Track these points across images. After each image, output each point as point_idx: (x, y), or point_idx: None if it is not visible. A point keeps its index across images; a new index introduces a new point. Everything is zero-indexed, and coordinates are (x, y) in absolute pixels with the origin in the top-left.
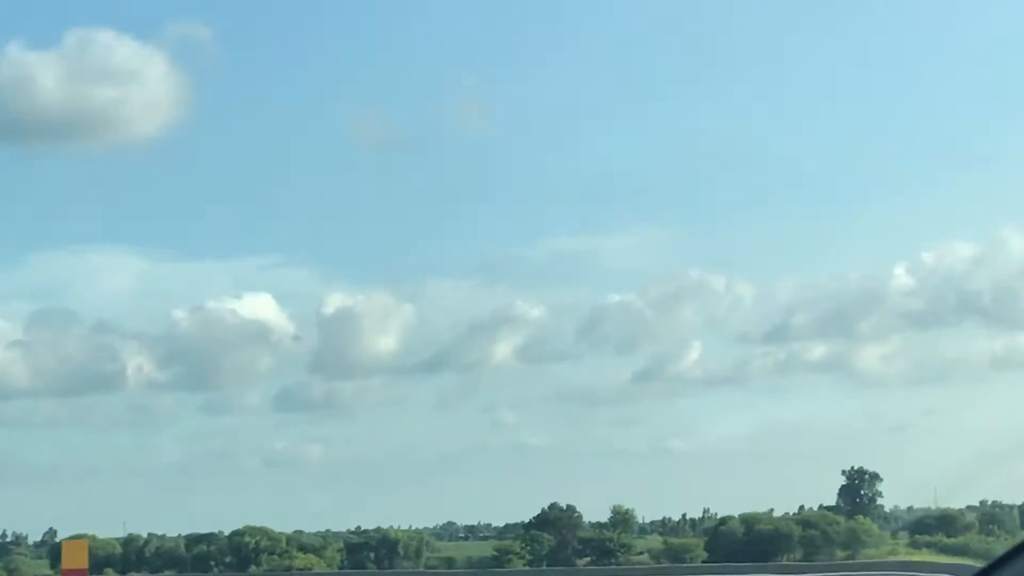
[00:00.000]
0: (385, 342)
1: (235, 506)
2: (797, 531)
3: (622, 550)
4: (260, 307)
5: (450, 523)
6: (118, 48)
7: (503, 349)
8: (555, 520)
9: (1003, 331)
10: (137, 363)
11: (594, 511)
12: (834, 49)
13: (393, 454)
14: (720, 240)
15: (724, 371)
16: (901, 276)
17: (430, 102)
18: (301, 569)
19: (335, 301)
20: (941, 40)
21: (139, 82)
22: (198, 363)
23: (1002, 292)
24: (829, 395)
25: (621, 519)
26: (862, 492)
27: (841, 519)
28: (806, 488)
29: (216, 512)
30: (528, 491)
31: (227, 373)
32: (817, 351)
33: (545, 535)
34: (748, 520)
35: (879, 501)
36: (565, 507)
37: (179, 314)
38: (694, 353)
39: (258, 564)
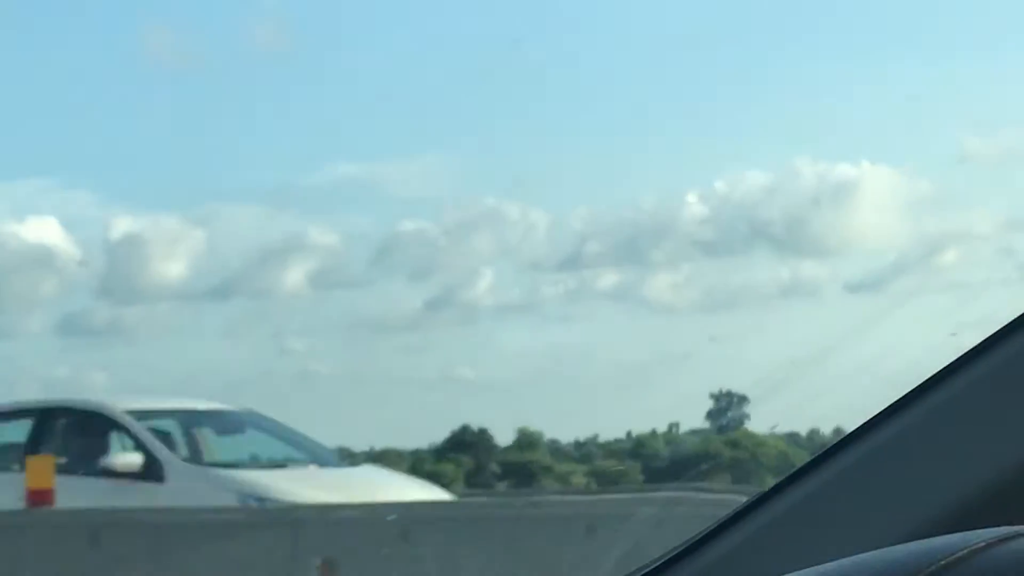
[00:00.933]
0: (174, 268)
1: None
2: (727, 452)
3: (543, 472)
4: (44, 231)
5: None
6: None
7: (294, 276)
8: (471, 444)
9: (792, 260)
10: None
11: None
12: None
13: (177, 381)
14: (514, 169)
15: (515, 298)
16: (694, 204)
17: (229, 20)
18: None
19: (122, 226)
20: None
21: None
22: None
23: (793, 222)
24: (618, 322)
25: (528, 442)
26: (729, 415)
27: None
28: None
29: None
30: (319, 419)
31: (7, 298)
32: (609, 279)
33: (464, 458)
34: (670, 440)
35: (747, 424)
36: (478, 430)
37: None
38: (485, 281)
39: None
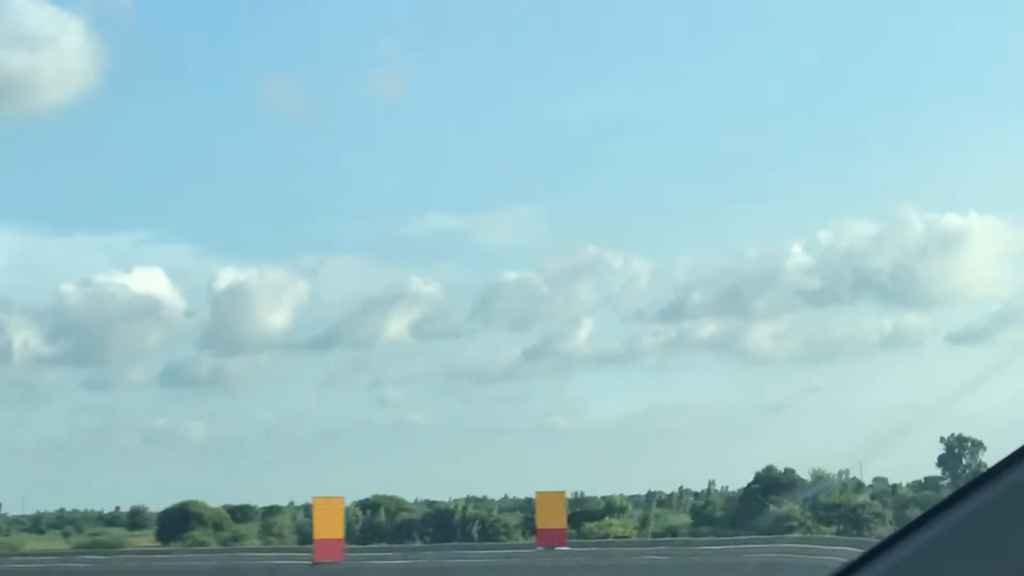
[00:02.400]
0: (277, 318)
1: (111, 482)
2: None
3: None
4: (151, 282)
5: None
6: (33, 13)
7: (395, 325)
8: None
9: (896, 310)
10: (23, 337)
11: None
12: (729, 23)
13: (273, 431)
14: (617, 218)
15: (614, 348)
16: (798, 254)
17: (344, 71)
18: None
19: (227, 276)
20: (840, 21)
21: (54, 48)
22: (86, 338)
23: (900, 271)
24: (716, 373)
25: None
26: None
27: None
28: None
29: (92, 488)
30: (412, 469)
31: (114, 348)
32: (708, 329)
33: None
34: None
35: None
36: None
37: (67, 288)
38: (585, 331)
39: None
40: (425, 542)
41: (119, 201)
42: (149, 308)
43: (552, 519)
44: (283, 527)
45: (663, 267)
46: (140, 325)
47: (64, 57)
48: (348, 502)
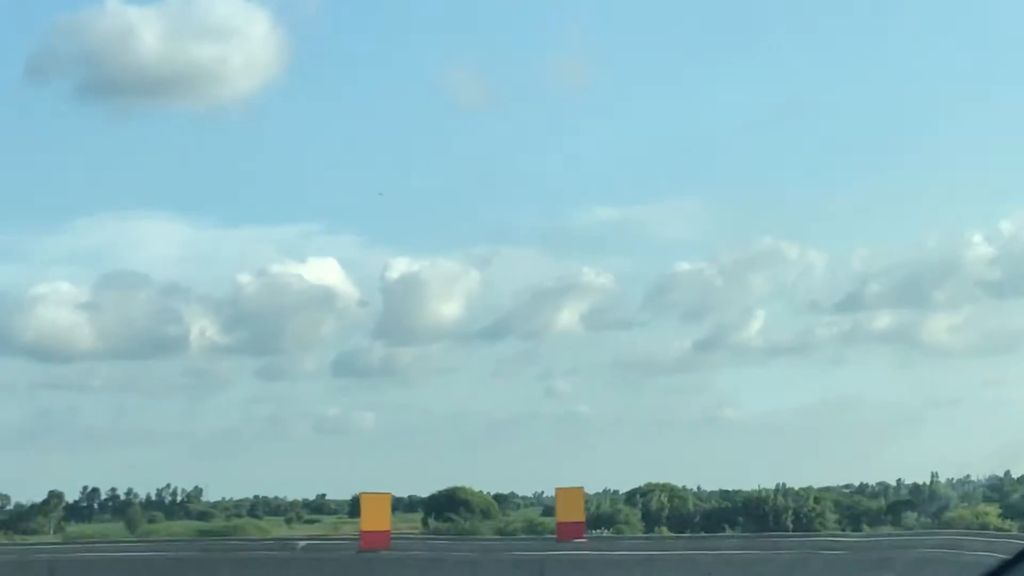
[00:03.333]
0: (449, 308)
1: (281, 472)
2: None
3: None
4: (325, 272)
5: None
6: (220, 4)
7: (567, 316)
8: None
9: None
10: (201, 327)
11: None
12: (906, 9)
13: (442, 421)
14: (792, 208)
15: (787, 340)
16: (979, 244)
17: (529, 60)
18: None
19: (401, 267)
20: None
21: (240, 39)
22: (261, 328)
23: None
24: (890, 365)
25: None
26: None
27: None
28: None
29: (261, 478)
30: (579, 460)
31: (289, 338)
32: (884, 321)
33: None
34: None
35: None
36: None
37: (244, 278)
38: (758, 322)
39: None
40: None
41: (289, 193)
42: (323, 298)
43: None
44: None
45: (839, 257)
46: (314, 315)
47: (250, 48)
48: (529, 492)
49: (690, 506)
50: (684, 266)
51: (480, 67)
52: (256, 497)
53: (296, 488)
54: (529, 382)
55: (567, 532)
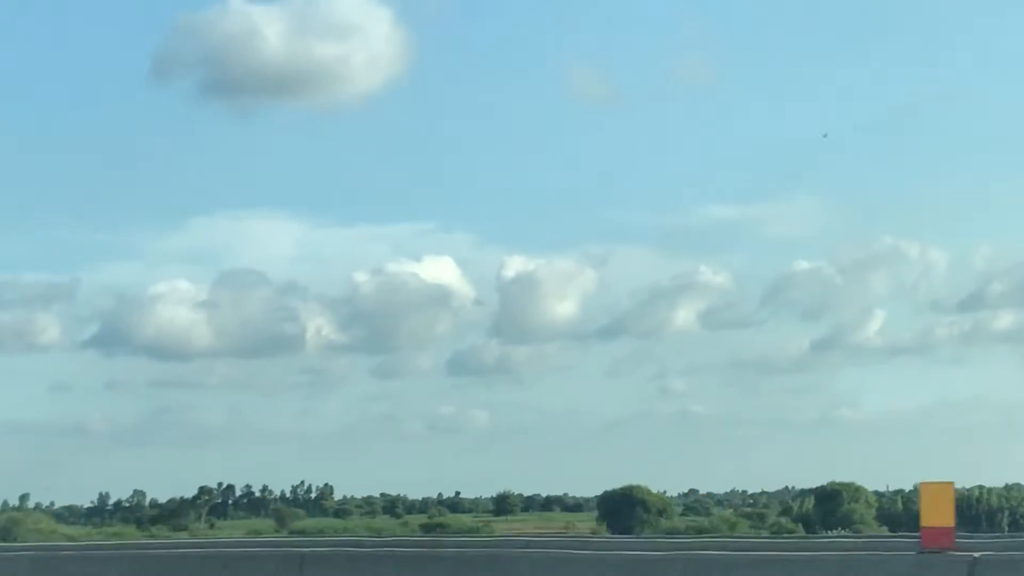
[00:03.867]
0: (564, 307)
1: (394, 471)
2: None
3: None
4: (441, 271)
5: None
6: (343, 3)
7: (683, 315)
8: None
9: None
10: (317, 325)
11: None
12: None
13: (556, 420)
14: (912, 207)
15: (906, 340)
16: None
17: (652, 57)
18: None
19: (516, 265)
20: None
21: (362, 38)
22: (377, 326)
23: None
24: (1011, 367)
25: None
26: None
27: None
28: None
29: (376, 476)
30: (693, 460)
31: (404, 336)
32: (1006, 320)
33: None
34: None
35: None
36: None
37: (360, 277)
38: (877, 322)
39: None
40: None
41: (404, 191)
42: (439, 297)
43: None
44: None
45: (961, 256)
46: (430, 313)
47: (372, 46)
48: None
49: (898, 506)
50: (803, 265)
51: (603, 64)
52: (383, 495)
53: (414, 486)
54: (644, 381)
55: (935, 538)
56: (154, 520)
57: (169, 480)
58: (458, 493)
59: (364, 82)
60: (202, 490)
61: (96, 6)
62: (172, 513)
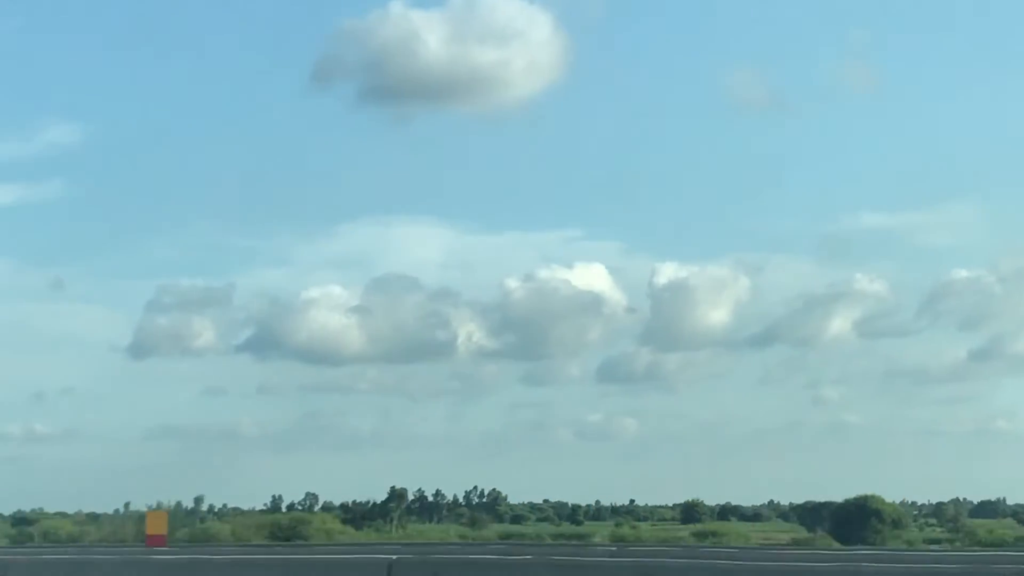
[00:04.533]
0: (717, 315)
1: (537, 478)
2: None
3: None
4: (593, 277)
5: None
6: (504, 7)
7: (838, 324)
8: None
9: None
10: (468, 331)
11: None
12: None
13: (706, 429)
14: None
15: None
16: None
17: (813, 62)
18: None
19: (668, 273)
20: None
21: (522, 43)
22: (528, 333)
23: None
24: None
25: None
26: None
27: None
28: None
29: (530, 482)
30: (846, 470)
31: (555, 343)
32: None
33: None
34: None
35: None
36: None
37: (512, 283)
38: None
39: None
40: None
41: (555, 197)
42: (591, 304)
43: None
44: None
45: None
46: (582, 320)
47: (532, 51)
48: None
49: None
50: (961, 273)
51: (762, 69)
52: (546, 501)
53: (571, 493)
54: (797, 390)
55: None
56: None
57: (338, 483)
58: (632, 501)
59: (523, 87)
60: (393, 492)
61: (259, 11)
62: (364, 516)
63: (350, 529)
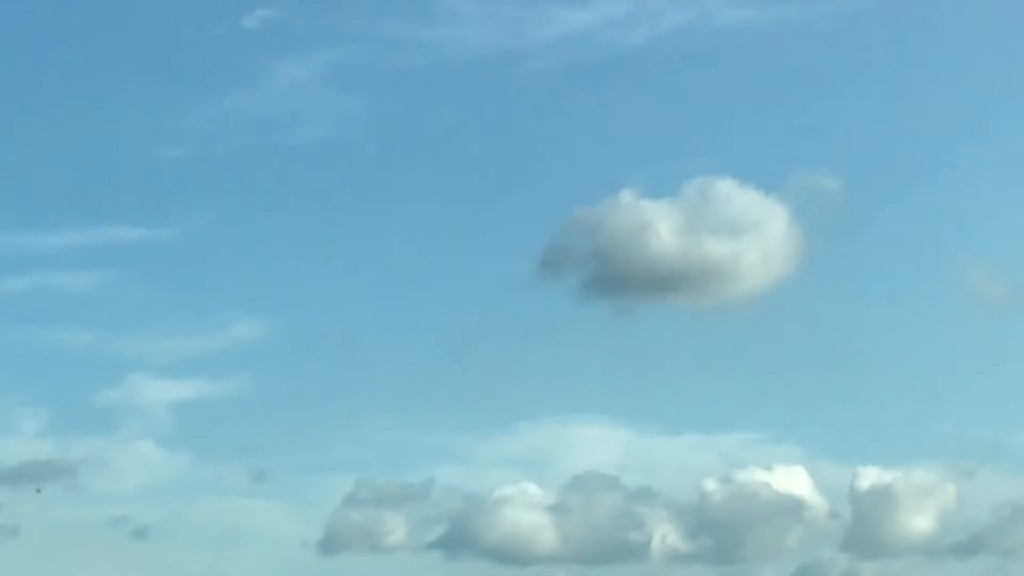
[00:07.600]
0: (920, 522)
1: None
2: None
3: None
4: (793, 481)
5: None
6: (739, 197)
7: None
8: None
9: None
10: (663, 533)
11: None
12: None
13: None
14: None
15: None
16: None
17: None
18: None
19: (870, 477)
20: None
21: (756, 235)
22: (724, 536)
23: None
24: None
25: None
26: None
27: None
28: None
29: None
30: None
31: (751, 547)
32: None
33: None
34: None
35: None
36: None
37: (710, 484)
38: None
39: None
40: None
41: (730, 399)
42: (791, 508)
43: None
44: None
45: None
46: (780, 524)
47: (766, 244)
48: None
49: None
50: None
51: (1004, 266)
52: None
53: None
54: None
55: None
56: None
57: None
58: None
59: (753, 281)
60: None
61: (493, 201)
62: None
63: None
